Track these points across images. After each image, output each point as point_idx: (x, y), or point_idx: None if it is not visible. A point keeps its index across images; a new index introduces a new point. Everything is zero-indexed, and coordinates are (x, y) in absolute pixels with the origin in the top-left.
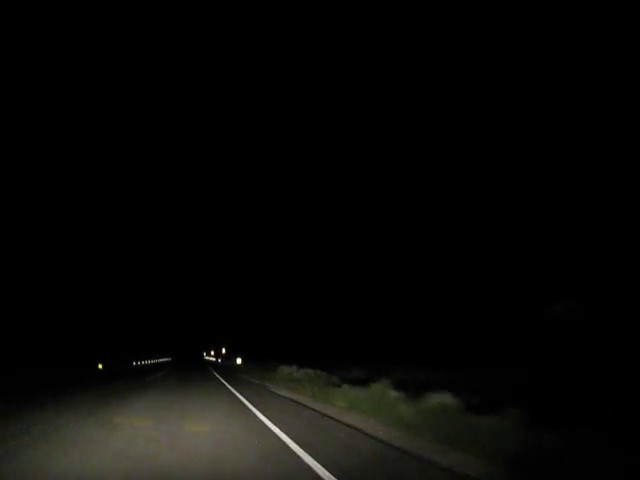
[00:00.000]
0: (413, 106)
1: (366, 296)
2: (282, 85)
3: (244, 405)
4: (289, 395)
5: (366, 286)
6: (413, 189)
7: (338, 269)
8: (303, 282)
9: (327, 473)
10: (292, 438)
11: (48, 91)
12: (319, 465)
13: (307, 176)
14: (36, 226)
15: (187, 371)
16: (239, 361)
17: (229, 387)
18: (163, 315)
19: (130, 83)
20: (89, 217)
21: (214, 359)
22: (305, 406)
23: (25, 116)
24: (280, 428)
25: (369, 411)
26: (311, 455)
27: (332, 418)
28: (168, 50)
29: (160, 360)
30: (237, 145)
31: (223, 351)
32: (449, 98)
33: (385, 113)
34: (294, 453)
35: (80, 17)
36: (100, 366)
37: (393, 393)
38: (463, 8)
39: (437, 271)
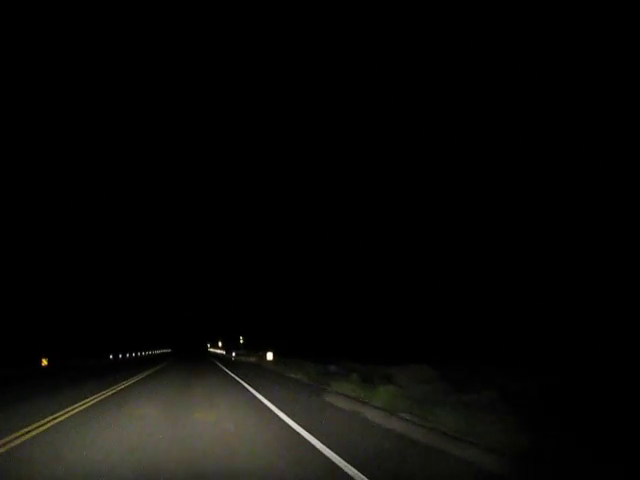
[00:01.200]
0: (413, 106)
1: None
2: (282, 85)
3: None
4: None
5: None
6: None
7: (373, 250)
8: (326, 267)
9: None
10: None
11: (48, 91)
12: None
13: (311, 175)
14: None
15: (191, 379)
16: (270, 357)
17: None
18: (162, 304)
19: (130, 84)
20: (87, 212)
21: (223, 352)
22: None
23: (25, 116)
24: None
25: None
26: None
27: None
28: (168, 51)
29: (155, 352)
30: (237, 145)
31: (241, 340)
32: (449, 98)
33: (384, 113)
34: None
35: (80, 17)
36: (44, 362)
37: None
38: (463, 8)
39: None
